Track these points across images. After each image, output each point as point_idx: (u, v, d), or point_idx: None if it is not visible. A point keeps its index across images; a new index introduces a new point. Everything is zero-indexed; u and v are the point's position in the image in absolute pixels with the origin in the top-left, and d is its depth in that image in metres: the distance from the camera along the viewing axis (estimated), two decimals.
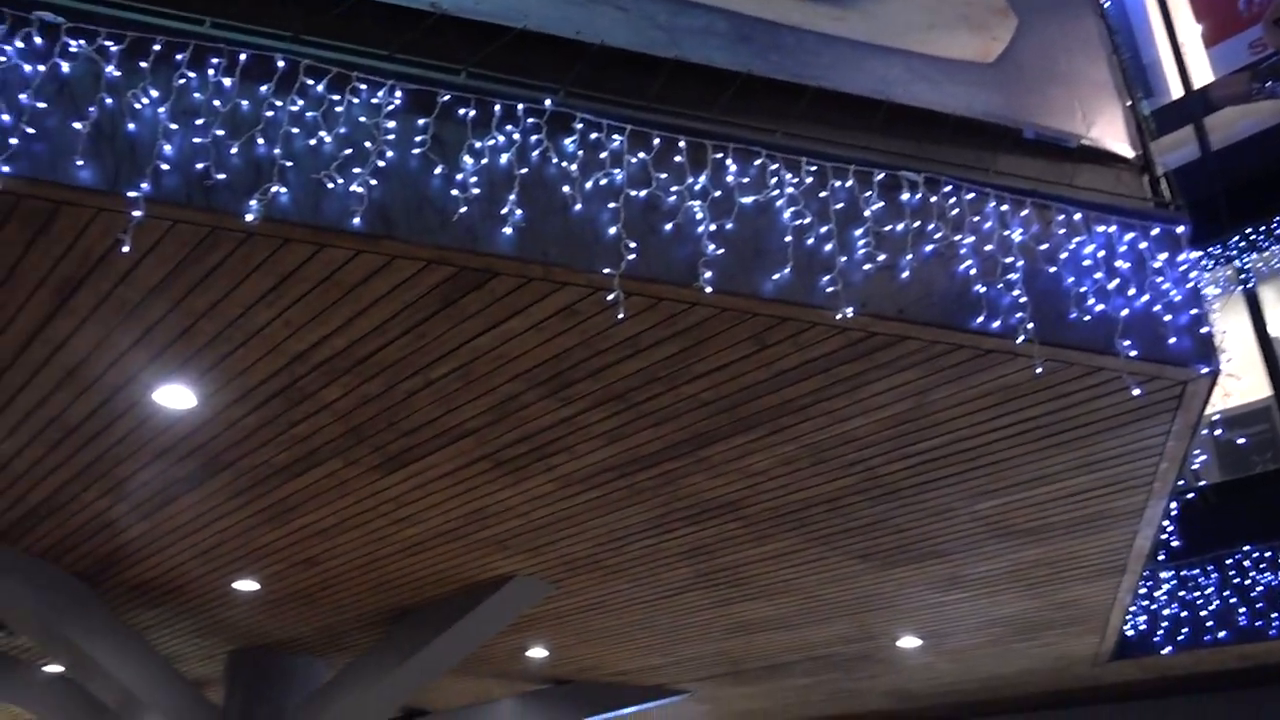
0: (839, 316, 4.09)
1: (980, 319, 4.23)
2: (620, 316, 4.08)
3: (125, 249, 3.69)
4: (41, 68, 3.58)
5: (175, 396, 4.90)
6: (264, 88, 3.80)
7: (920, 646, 8.56)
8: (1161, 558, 8.01)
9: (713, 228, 4.09)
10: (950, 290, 4.29)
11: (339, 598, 7.83)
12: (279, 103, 3.81)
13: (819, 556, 6.62)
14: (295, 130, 3.79)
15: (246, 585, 7.62)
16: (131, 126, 3.62)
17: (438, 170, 3.90)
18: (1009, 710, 10.26)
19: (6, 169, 3.41)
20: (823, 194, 4.30)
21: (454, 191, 3.87)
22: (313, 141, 3.81)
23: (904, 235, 4.31)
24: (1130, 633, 8.37)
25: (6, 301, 4.21)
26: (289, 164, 3.74)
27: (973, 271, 4.32)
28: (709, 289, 3.97)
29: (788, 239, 4.17)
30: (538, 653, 9.35)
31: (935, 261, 4.33)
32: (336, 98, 3.88)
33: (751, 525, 6.18)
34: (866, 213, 4.30)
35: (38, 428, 5.28)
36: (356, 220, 3.72)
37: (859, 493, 5.70)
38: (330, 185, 3.75)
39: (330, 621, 8.48)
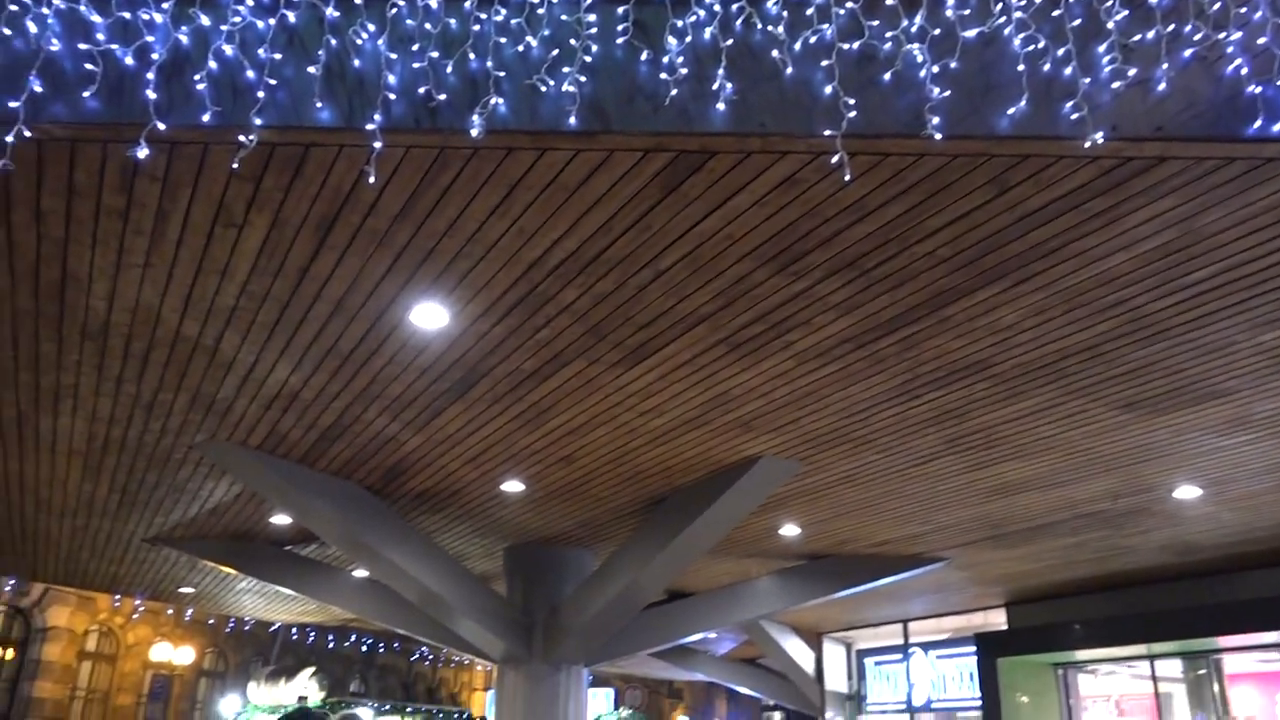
0: (1088, 144, 3.75)
1: (1257, 124, 3.75)
2: (846, 179, 3.94)
3: (371, 180, 3.95)
4: (271, 21, 3.82)
5: (429, 316, 5.26)
6: (467, 4, 3.88)
7: (1200, 496, 7.99)
8: None
9: (935, 70, 3.82)
10: (1217, 97, 3.81)
11: (597, 491, 8.27)
12: (484, 15, 3.88)
13: (1079, 409, 6.26)
14: (503, 40, 3.86)
15: (513, 486, 8.20)
16: (357, 63, 3.81)
17: (644, 56, 3.86)
18: None
19: (259, 120, 3.70)
20: (1056, 12, 3.90)
21: (662, 75, 3.83)
22: (520, 48, 3.86)
23: (1156, 43, 3.86)
24: None
25: (277, 245, 4.62)
26: (501, 74, 3.82)
27: (1244, 71, 3.81)
28: (938, 136, 3.73)
29: (1021, 68, 3.83)
30: (791, 531, 9.52)
31: (1197, 67, 3.85)
32: (537, 1, 3.90)
33: (1002, 383, 5.92)
34: (1109, 24, 3.87)
35: (318, 358, 5.83)
36: (572, 119, 3.76)
37: (1122, 337, 5.30)
38: (543, 88, 3.80)
39: (591, 515, 9.00)
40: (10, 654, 20.65)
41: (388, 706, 16.51)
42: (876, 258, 4.62)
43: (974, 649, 12.80)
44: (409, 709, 16.93)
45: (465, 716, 18.00)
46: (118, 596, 19.17)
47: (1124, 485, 7.77)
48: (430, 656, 27.37)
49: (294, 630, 20.69)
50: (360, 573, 11.34)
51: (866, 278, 4.78)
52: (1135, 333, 5.25)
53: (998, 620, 13.09)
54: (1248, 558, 9.88)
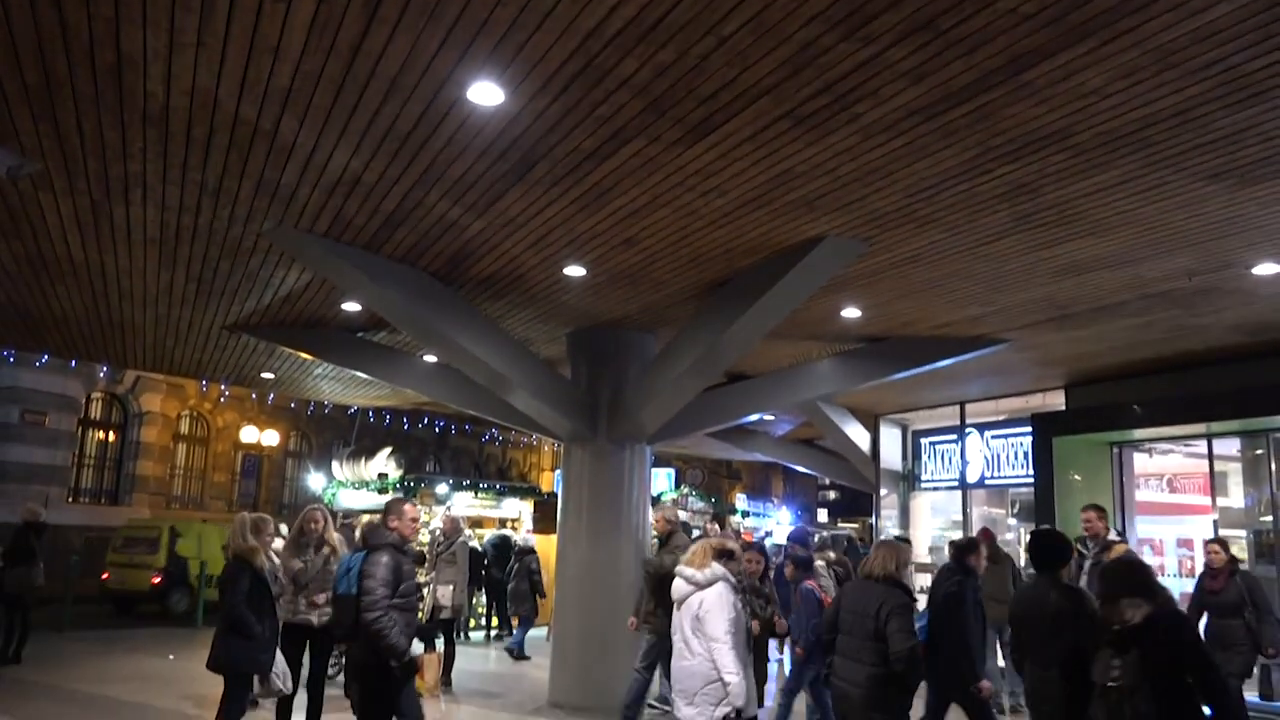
0: None
1: None
2: None
3: None
4: None
5: (485, 93, 5.14)
6: None
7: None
8: None
9: None
10: None
11: (658, 274, 8.31)
12: None
13: (1161, 182, 6.00)
14: None
15: (575, 271, 8.27)
16: None
17: None
18: None
19: None
20: None
21: None
22: None
23: None
24: None
25: (327, 21, 4.50)
26: None
27: None
28: None
29: None
30: (852, 313, 9.53)
31: None
32: None
33: (1081, 155, 5.67)
34: None
35: (376, 141, 5.79)
36: None
37: (1215, 100, 4.98)
38: None
39: (653, 299, 9.08)
40: (112, 437, 22.17)
41: (465, 483, 17.53)
42: (953, 17, 4.34)
43: (1028, 430, 12.98)
44: (482, 485, 17.96)
45: (535, 491, 19.07)
46: (205, 382, 20.20)
47: (1200, 262, 7.54)
48: (500, 439, 28.70)
49: (370, 414, 21.75)
50: (430, 357, 11.75)
51: (941, 40, 4.51)
52: (1230, 95, 4.93)
53: (1055, 402, 13.17)
54: None
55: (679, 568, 5.52)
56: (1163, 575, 11.41)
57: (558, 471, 20.79)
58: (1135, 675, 4.08)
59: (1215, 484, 11.86)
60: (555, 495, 16.75)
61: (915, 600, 5.42)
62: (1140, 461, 12.91)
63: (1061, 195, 6.27)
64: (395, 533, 5.69)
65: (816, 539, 12.30)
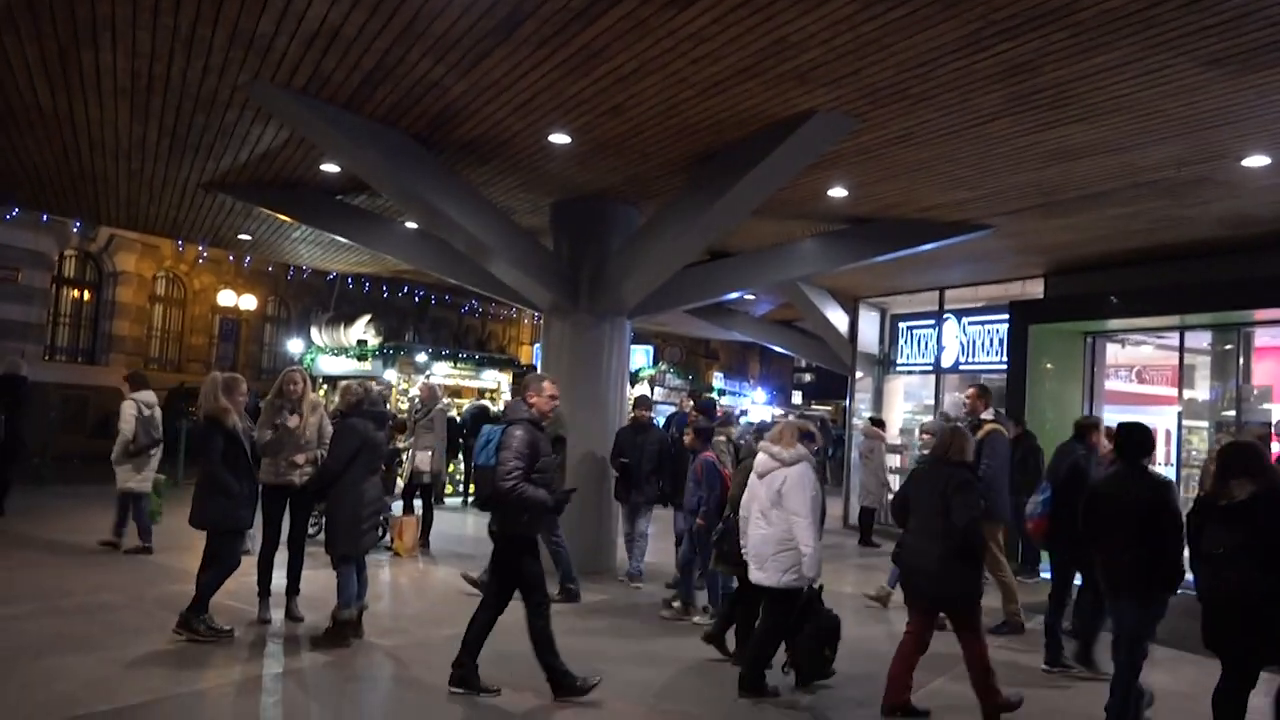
0: None
1: None
2: None
3: None
4: None
5: None
6: None
7: (1269, 165, 7.70)
8: None
9: None
10: None
11: (644, 145, 8.16)
12: None
13: (1161, 66, 5.89)
14: None
15: (560, 139, 8.10)
16: None
17: None
18: None
19: None
20: None
21: None
22: None
23: None
24: None
25: None
26: None
27: None
28: None
29: None
30: (839, 193, 9.44)
31: None
32: None
33: (1082, 34, 5.53)
34: None
35: None
36: None
37: None
38: None
39: (639, 170, 8.94)
40: (87, 296, 21.93)
41: (444, 352, 17.59)
42: None
43: (1005, 317, 13.09)
44: (461, 355, 18.03)
45: (513, 363, 19.18)
46: (181, 243, 19.91)
47: (1192, 152, 7.48)
48: (479, 310, 28.63)
49: (349, 280, 21.59)
50: (411, 223, 11.59)
51: None
52: None
53: (1034, 290, 13.23)
54: None
55: (764, 444, 5.91)
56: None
57: (537, 345, 20.88)
58: (1239, 544, 4.54)
59: (1184, 376, 12.08)
60: (534, 368, 16.87)
61: (980, 479, 5.77)
62: (1112, 352, 13.10)
63: (1059, 76, 6.15)
64: (534, 408, 5.64)
65: (739, 417, 12.56)
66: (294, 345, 21.84)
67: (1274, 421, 10.51)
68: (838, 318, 16.39)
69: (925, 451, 7.69)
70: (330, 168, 9.67)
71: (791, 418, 6.51)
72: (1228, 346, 11.68)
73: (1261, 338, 11.69)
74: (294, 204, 10.82)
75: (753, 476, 5.96)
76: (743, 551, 5.93)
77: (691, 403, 12.75)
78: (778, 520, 5.64)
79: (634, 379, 19.93)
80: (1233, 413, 11.23)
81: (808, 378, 40.75)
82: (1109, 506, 5.40)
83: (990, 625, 6.88)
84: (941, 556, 5.40)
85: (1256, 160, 7.59)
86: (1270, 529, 4.50)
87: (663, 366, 23.03)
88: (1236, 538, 4.57)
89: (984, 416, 8.44)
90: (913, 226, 10.49)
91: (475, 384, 17.54)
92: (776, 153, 7.51)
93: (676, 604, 7.97)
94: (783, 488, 5.67)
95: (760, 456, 5.93)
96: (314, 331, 18.76)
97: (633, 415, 9.76)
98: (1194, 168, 7.86)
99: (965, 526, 5.33)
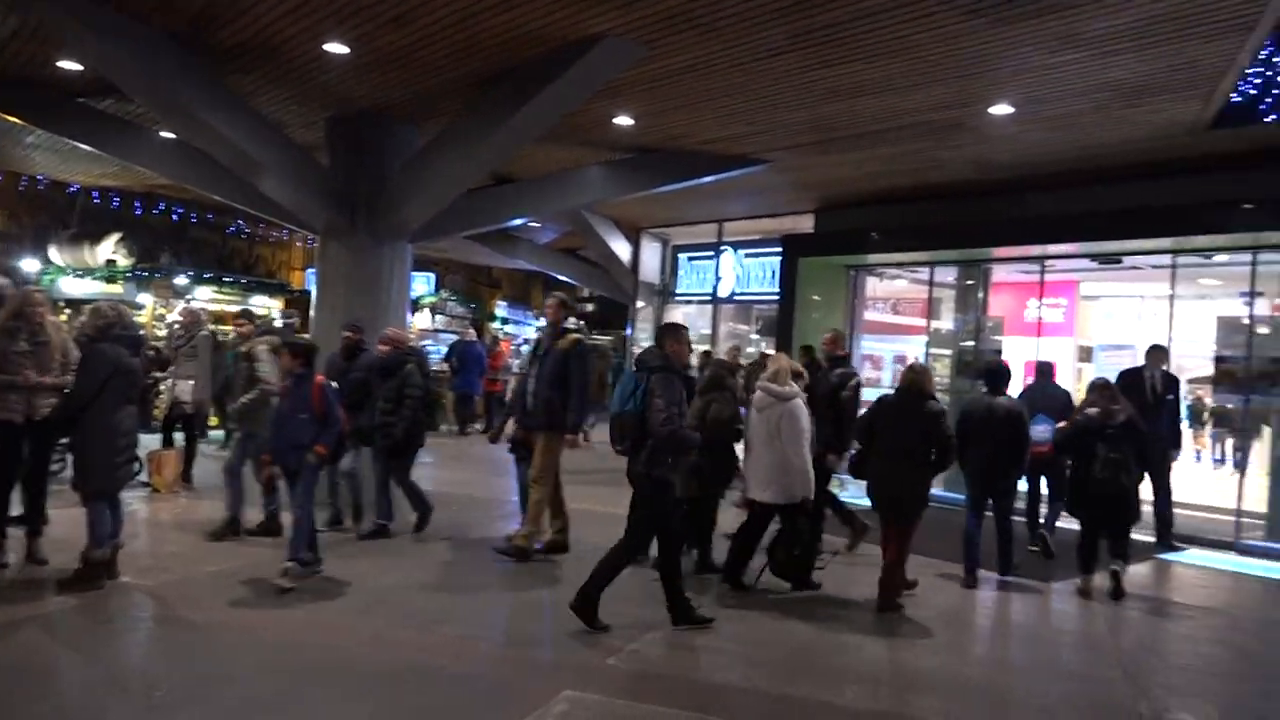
0: None
1: None
2: None
3: None
4: None
5: None
6: None
7: (1012, 115, 8.42)
8: None
9: None
10: None
11: (430, 60, 7.83)
12: None
13: (929, 10, 6.25)
14: None
15: (337, 48, 7.63)
16: None
17: None
18: (1092, 181, 10.34)
19: None
20: None
21: None
22: None
23: None
24: (1236, 98, 8.04)
25: None
26: None
27: None
28: None
29: None
30: (625, 121, 9.48)
31: None
32: None
33: None
34: None
35: None
36: None
37: None
38: None
39: (422, 87, 8.58)
40: None
41: (207, 275, 16.39)
42: None
43: (779, 250, 13.73)
44: (227, 279, 16.88)
45: (284, 288, 18.16)
46: None
47: (952, 97, 8.05)
48: (247, 232, 26.80)
49: (95, 194, 19.55)
50: (168, 133, 10.61)
51: None
52: None
53: (805, 225, 13.95)
54: (1039, 178, 10.72)
55: (762, 383, 6.53)
56: (884, 386, 12.69)
57: (310, 270, 19.86)
58: (1126, 453, 6.99)
59: (933, 307, 13.16)
60: (308, 293, 16.06)
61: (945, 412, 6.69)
62: (872, 285, 14.06)
63: (837, 15, 6.41)
64: (675, 356, 5.78)
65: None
66: (28, 265, 19.63)
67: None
68: (621, 247, 16.62)
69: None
70: (70, 65, 8.64)
71: (783, 358, 6.79)
72: (970, 282, 12.83)
73: (999, 274, 12.91)
74: (26, 104, 9.63)
75: (752, 411, 6.60)
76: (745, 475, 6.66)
77: (473, 331, 12.58)
78: (777, 449, 6.27)
79: (415, 306, 19.42)
80: (972, 342, 12.37)
81: (590, 307, 41.18)
82: (978, 421, 7.08)
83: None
84: (909, 476, 6.38)
85: (1002, 109, 8.27)
86: (1141, 441, 7.11)
87: (445, 294, 22.57)
88: (1121, 448, 6.97)
89: (766, 351, 8.79)
90: (696, 158, 10.72)
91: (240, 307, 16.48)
92: (565, 77, 7.42)
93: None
94: (780, 421, 6.30)
95: (759, 394, 6.55)
96: (52, 250, 16.94)
97: (345, 338, 8.24)
98: (951, 112, 8.47)
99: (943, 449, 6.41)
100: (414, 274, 12.66)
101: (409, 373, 7.75)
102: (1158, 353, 9.28)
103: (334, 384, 6.87)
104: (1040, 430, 8.01)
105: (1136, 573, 8.08)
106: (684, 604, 5.70)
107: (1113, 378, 8.23)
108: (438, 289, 22.75)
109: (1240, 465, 10.23)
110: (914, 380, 6.58)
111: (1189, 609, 7.22)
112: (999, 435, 7.09)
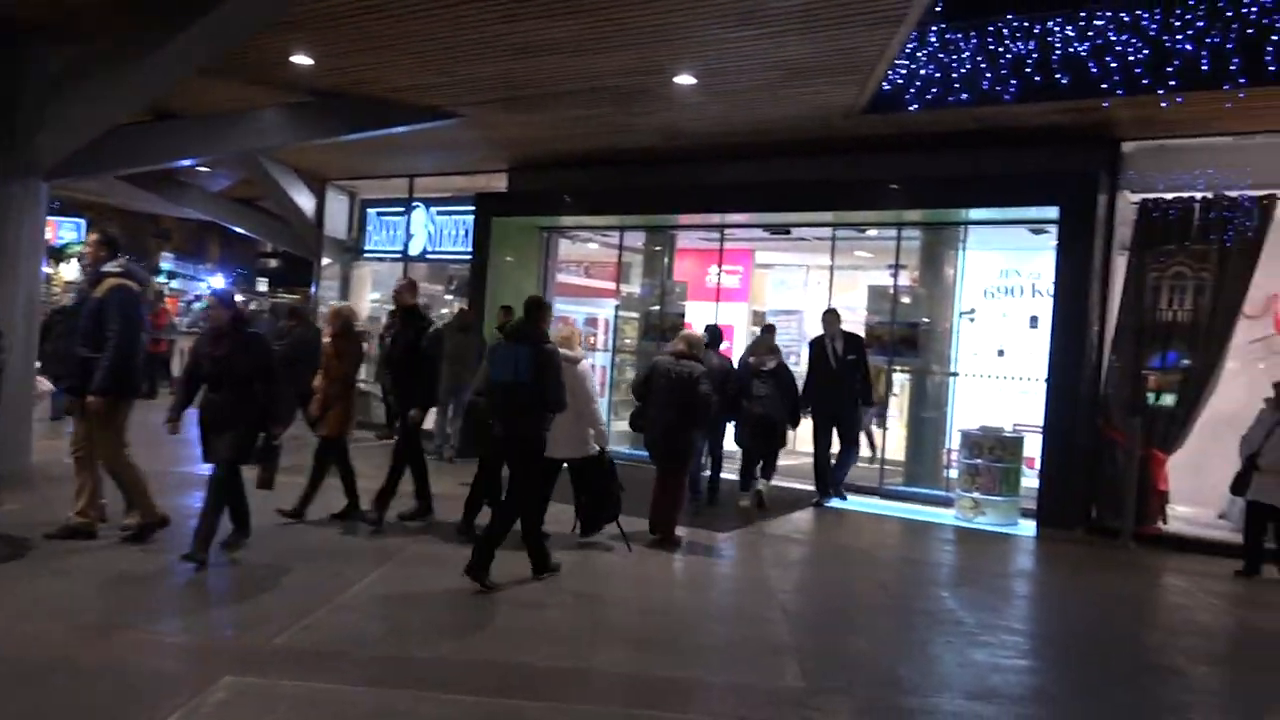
0: None
1: None
2: None
3: None
4: None
5: None
6: None
7: (695, 85, 8.74)
8: (938, 8, 8.39)
9: None
10: None
11: None
12: None
13: None
14: None
15: None
16: None
17: None
18: (767, 155, 11.00)
19: None
20: None
21: None
22: None
23: None
24: (886, 87, 8.87)
25: None
26: None
27: None
28: None
29: None
30: (304, 60, 8.82)
31: None
32: None
33: None
34: None
35: None
36: None
37: None
38: None
39: None
40: None
41: None
42: None
43: (472, 209, 13.47)
44: None
45: None
46: None
47: (638, 63, 8.20)
48: None
49: None
50: None
51: None
52: None
53: (498, 184, 13.75)
54: (720, 149, 11.24)
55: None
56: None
57: None
58: (775, 392, 8.86)
59: (622, 272, 13.52)
60: None
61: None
62: (564, 247, 14.19)
63: None
64: (544, 329, 6.06)
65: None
66: None
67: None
68: (304, 199, 15.59)
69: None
70: None
71: (573, 319, 6.73)
72: (658, 248, 13.30)
73: (683, 240, 13.49)
74: None
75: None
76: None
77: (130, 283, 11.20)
78: (572, 405, 6.32)
79: (59, 254, 17.14)
80: (658, 306, 12.85)
81: (274, 263, 38.51)
82: (664, 381, 7.50)
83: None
84: (678, 425, 7.35)
85: (686, 79, 8.56)
86: (789, 383, 9.11)
87: (93, 237, 20.07)
88: (770, 388, 8.82)
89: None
90: (384, 107, 10.21)
91: None
92: (231, 3, 6.72)
93: None
94: (572, 382, 6.39)
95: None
96: None
97: None
98: (637, 78, 8.64)
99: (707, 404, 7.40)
100: (60, 219, 11.11)
101: None
102: (829, 317, 10.03)
103: None
104: None
105: (801, 519, 8.85)
106: (544, 554, 6.12)
107: (779, 341, 9.25)
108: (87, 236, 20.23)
109: (881, 418, 11.45)
110: (692, 345, 7.57)
111: (843, 551, 7.99)
112: (675, 398, 7.38)
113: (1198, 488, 9.33)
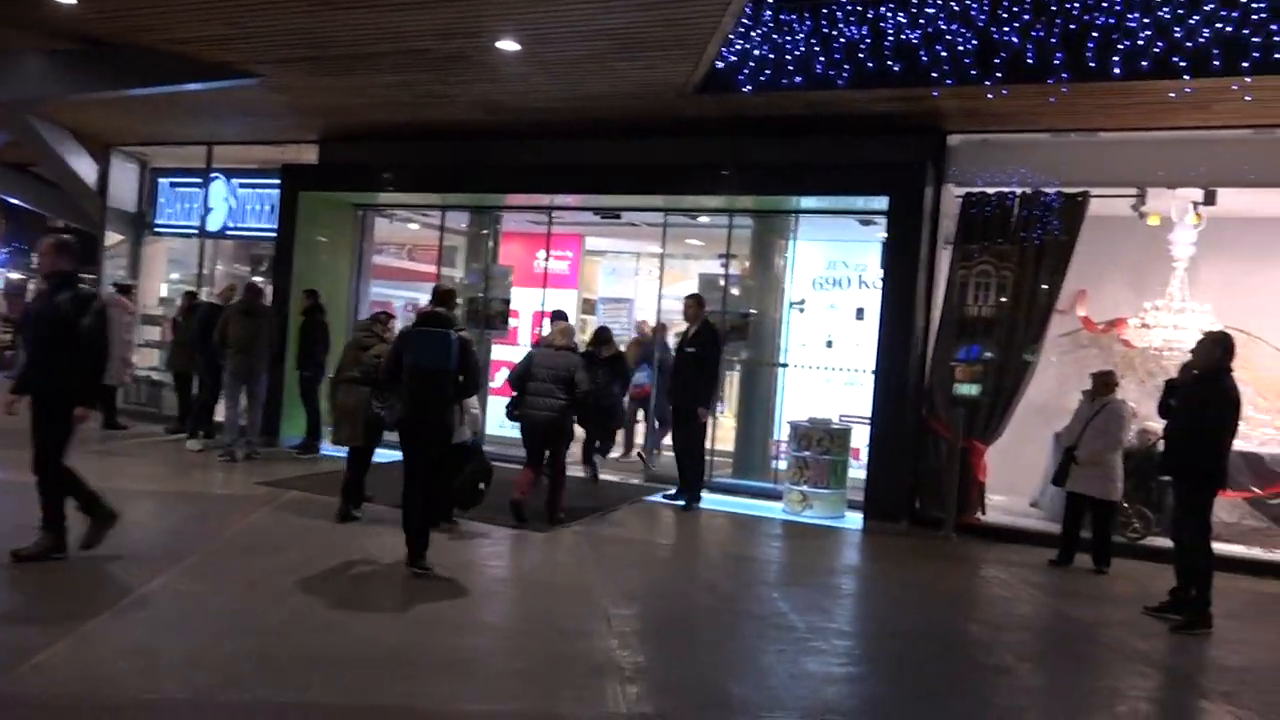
0: None
1: None
2: None
3: None
4: None
5: None
6: None
7: (518, 52, 8.13)
8: None
9: None
10: None
11: None
12: None
13: None
14: None
15: None
16: None
17: None
18: (595, 135, 10.48)
19: None
20: None
21: None
22: None
23: None
24: (720, 65, 8.52)
25: None
26: None
27: None
28: None
29: None
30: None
31: None
32: None
33: None
34: None
35: None
36: None
37: None
38: None
39: None
40: None
41: None
42: None
43: (278, 181, 12.34)
44: None
45: None
46: None
47: (458, 23, 7.51)
48: None
49: None
50: None
51: None
52: None
53: (310, 156, 12.66)
54: (546, 126, 10.62)
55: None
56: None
57: None
58: (605, 379, 9.08)
59: (445, 255, 12.72)
60: None
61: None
62: (382, 227, 13.26)
63: None
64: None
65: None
66: None
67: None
68: (84, 166, 13.93)
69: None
70: None
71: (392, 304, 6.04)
72: (482, 230, 12.57)
73: (509, 223, 12.82)
74: None
75: None
76: None
77: None
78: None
79: None
80: (482, 293, 12.12)
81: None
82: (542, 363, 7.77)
83: None
84: (561, 413, 7.64)
85: (508, 44, 7.92)
86: (619, 371, 9.60)
87: None
88: (605, 376, 9.07)
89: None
90: (170, 60, 9.08)
91: None
92: None
93: None
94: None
95: None
96: None
97: None
98: (455, 42, 7.95)
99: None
100: None
101: None
102: (689, 301, 9.68)
103: None
104: (640, 376, 10.80)
105: (630, 515, 8.42)
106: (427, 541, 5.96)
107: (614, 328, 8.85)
108: None
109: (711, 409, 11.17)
110: (558, 334, 8.03)
111: (671, 549, 7.61)
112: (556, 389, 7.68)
113: (1008, 476, 9.54)
